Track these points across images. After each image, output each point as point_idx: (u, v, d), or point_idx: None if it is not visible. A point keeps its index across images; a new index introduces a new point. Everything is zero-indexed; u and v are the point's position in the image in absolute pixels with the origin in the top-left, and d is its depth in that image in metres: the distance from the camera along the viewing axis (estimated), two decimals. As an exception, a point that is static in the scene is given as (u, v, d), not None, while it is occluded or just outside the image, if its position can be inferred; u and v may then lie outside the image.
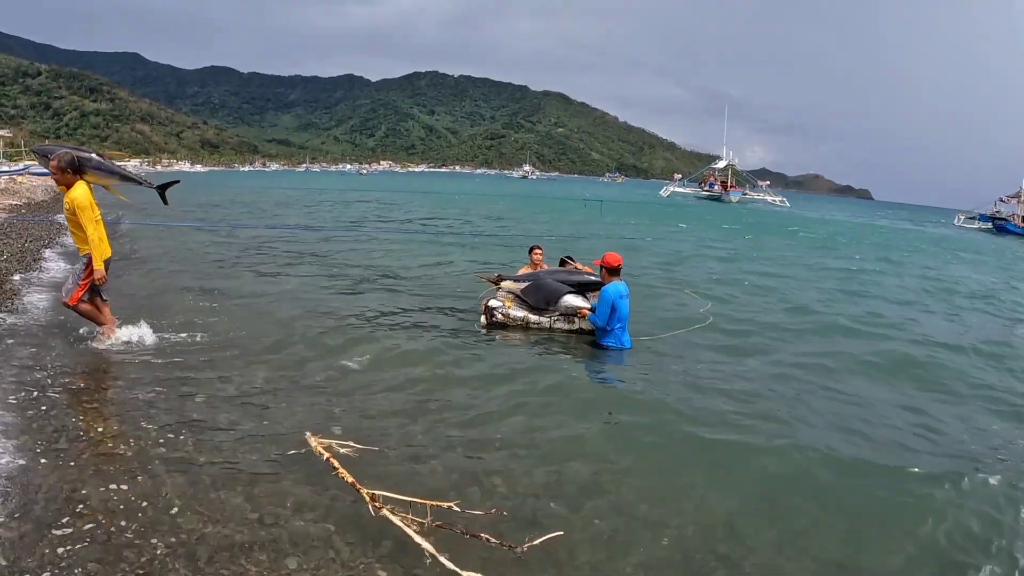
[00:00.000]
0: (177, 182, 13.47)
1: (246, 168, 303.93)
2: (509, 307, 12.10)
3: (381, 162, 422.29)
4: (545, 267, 13.85)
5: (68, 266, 15.43)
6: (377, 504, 4.97)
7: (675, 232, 42.97)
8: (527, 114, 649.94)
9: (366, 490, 5.11)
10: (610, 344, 11.15)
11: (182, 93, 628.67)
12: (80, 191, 8.93)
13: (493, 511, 5.37)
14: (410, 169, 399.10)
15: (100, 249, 9.14)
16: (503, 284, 12.77)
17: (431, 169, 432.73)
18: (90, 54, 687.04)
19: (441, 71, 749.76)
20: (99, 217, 9.07)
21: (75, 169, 9.18)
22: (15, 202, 34.76)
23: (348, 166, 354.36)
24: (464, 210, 54.40)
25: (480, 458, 6.81)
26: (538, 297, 12.15)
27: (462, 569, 4.36)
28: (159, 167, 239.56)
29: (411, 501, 4.92)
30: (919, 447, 7.95)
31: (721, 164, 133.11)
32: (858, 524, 6.00)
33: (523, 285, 12.48)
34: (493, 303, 12.21)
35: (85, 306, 9.48)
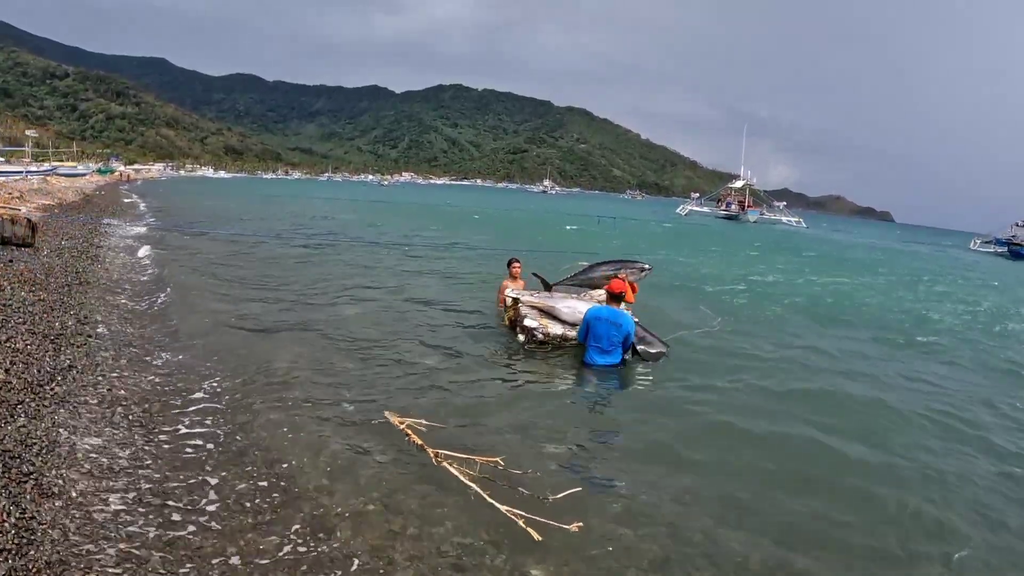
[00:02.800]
0: None
1: (269, 176, 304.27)
2: (546, 325, 12.35)
3: (403, 173, 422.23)
4: (523, 282, 14.44)
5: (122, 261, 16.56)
6: (439, 459, 6.54)
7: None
8: (550, 129, 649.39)
9: (431, 449, 6.70)
10: (585, 360, 11.36)
11: (207, 99, 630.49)
12: None
13: (529, 471, 6.74)
14: (432, 181, 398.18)
15: None
16: (523, 299, 12.89)
17: (453, 182, 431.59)
18: (117, 58, 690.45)
19: (465, 84, 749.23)
20: None
21: None
22: (48, 202, 35.55)
23: (370, 176, 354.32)
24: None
25: (515, 436, 8.17)
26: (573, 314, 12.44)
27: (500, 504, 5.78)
28: (182, 172, 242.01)
29: (466, 457, 6.49)
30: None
31: (739, 184, 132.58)
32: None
33: (550, 302, 12.78)
34: (530, 323, 12.39)
35: None
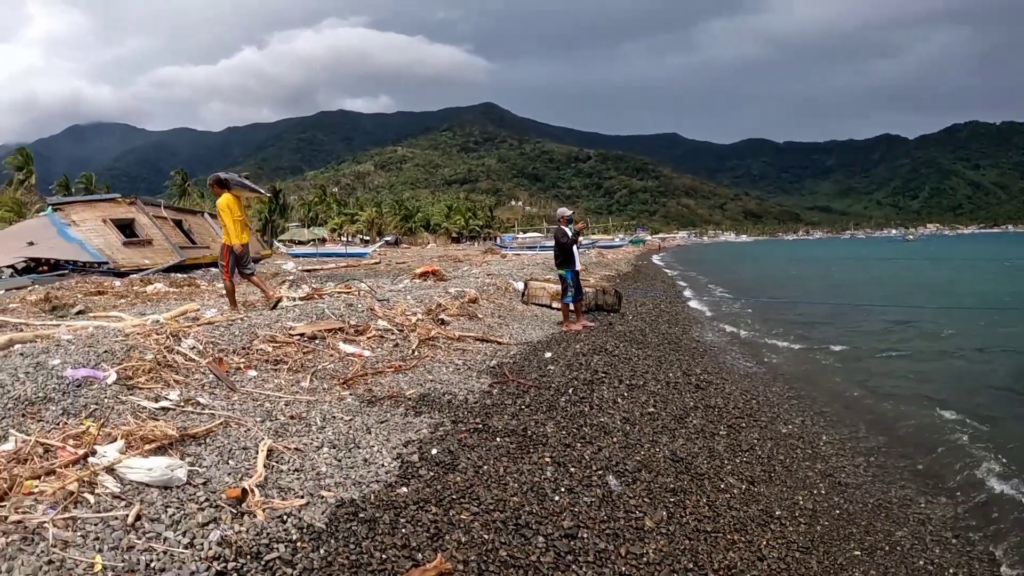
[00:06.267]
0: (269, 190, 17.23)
1: (790, 237, 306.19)
2: None
3: (927, 225, 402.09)
4: None
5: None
6: None
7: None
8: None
9: None
10: None
11: (721, 166, 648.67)
12: (221, 200, 12.54)
13: None
14: (959, 231, 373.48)
15: (233, 237, 12.50)
16: None
17: (982, 230, 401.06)
18: (631, 137, 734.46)
19: (981, 119, 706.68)
20: (238, 217, 12.53)
21: (220, 184, 12.81)
22: (609, 273, 39.94)
23: (893, 231, 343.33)
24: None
25: None
26: None
27: None
28: (705, 238, 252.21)
29: None
30: None
31: None
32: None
33: None
34: None
35: (228, 283, 12.94)
